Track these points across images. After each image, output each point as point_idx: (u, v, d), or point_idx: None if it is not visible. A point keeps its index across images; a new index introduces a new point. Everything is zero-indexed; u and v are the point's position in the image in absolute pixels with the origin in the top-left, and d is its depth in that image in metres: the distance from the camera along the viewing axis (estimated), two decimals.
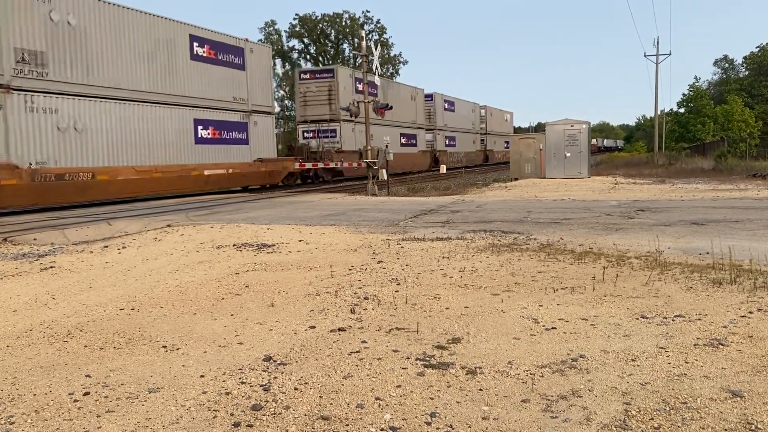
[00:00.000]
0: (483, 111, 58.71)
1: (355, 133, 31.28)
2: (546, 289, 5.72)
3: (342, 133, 30.39)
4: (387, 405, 3.26)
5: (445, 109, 47.32)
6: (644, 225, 10.12)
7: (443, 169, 37.98)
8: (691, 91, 56.79)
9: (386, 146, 28.65)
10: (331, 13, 70.82)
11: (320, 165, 26.71)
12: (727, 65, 79.57)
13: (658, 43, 60.78)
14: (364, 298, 5.53)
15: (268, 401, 3.34)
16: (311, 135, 30.21)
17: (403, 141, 38.75)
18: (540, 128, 55.61)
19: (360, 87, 27.63)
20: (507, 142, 66.84)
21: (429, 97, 44.25)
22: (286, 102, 63.70)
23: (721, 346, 3.99)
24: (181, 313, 5.27)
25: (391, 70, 70.79)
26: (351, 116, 25.62)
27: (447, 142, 47.34)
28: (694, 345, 4.03)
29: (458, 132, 49.70)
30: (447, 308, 5.17)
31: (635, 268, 6.51)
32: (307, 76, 31.59)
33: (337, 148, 29.78)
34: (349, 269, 6.93)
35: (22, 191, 14.66)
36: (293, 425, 3.05)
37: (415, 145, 40.36)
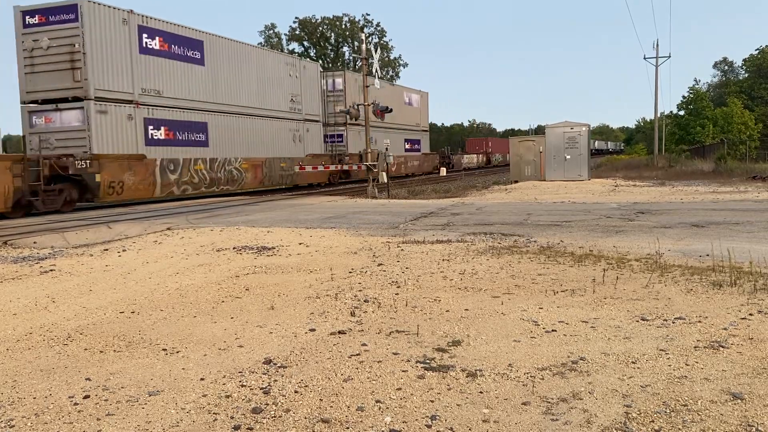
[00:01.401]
0: (339, 80, 30.54)
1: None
2: (546, 292, 5.72)
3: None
4: (387, 408, 3.26)
5: (143, 49, 18.89)
6: (644, 227, 10.12)
7: (443, 171, 37.99)
8: (690, 93, 56.76)
9: (386, 148, 28.46)
10: (331, 16, 71.03)
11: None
12: (726, 68, 79.59)
13: (657, 45, 60.59)
14: (365, 301, 5.52)
15: (268, 404, 3.34)
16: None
17: None
18: (540, 131, 53.44)
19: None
20: (415, 142, 41.18)
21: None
22: None
23: (721, 348, 3.98)
24: (181, 316, 5.27)
25: (391, 73, 70.88)
26: (351, 118, 25.51)
27: (152, 134, 19.29)
28: (695, 347, 4.03)
29: (246, 116, 23.11)
30: (447, 311, 5.17)
31: (635, 271, 6.51)
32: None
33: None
34: (350, 272, 6.93)
35: None
36: (293, 428, 3.05)
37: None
